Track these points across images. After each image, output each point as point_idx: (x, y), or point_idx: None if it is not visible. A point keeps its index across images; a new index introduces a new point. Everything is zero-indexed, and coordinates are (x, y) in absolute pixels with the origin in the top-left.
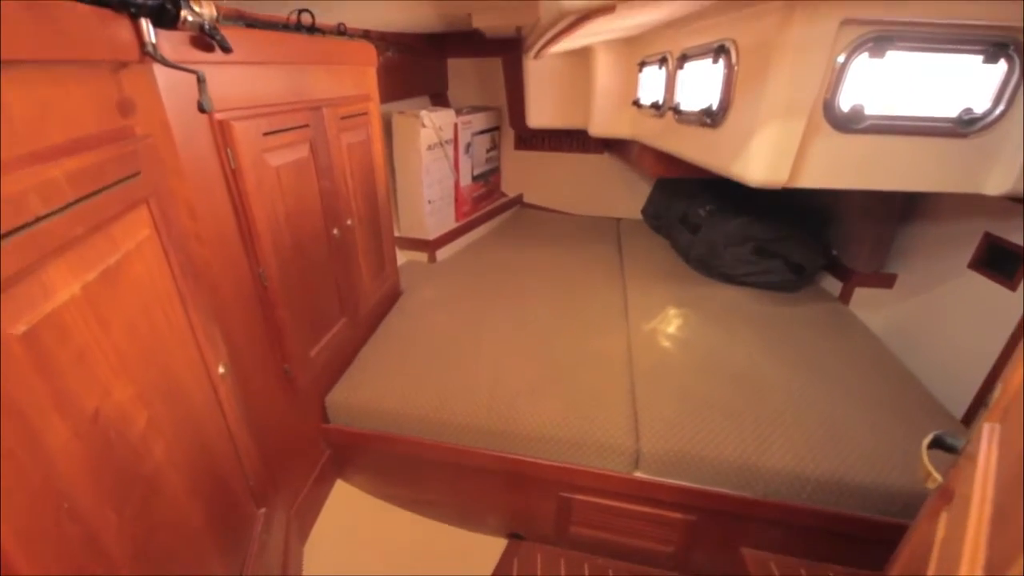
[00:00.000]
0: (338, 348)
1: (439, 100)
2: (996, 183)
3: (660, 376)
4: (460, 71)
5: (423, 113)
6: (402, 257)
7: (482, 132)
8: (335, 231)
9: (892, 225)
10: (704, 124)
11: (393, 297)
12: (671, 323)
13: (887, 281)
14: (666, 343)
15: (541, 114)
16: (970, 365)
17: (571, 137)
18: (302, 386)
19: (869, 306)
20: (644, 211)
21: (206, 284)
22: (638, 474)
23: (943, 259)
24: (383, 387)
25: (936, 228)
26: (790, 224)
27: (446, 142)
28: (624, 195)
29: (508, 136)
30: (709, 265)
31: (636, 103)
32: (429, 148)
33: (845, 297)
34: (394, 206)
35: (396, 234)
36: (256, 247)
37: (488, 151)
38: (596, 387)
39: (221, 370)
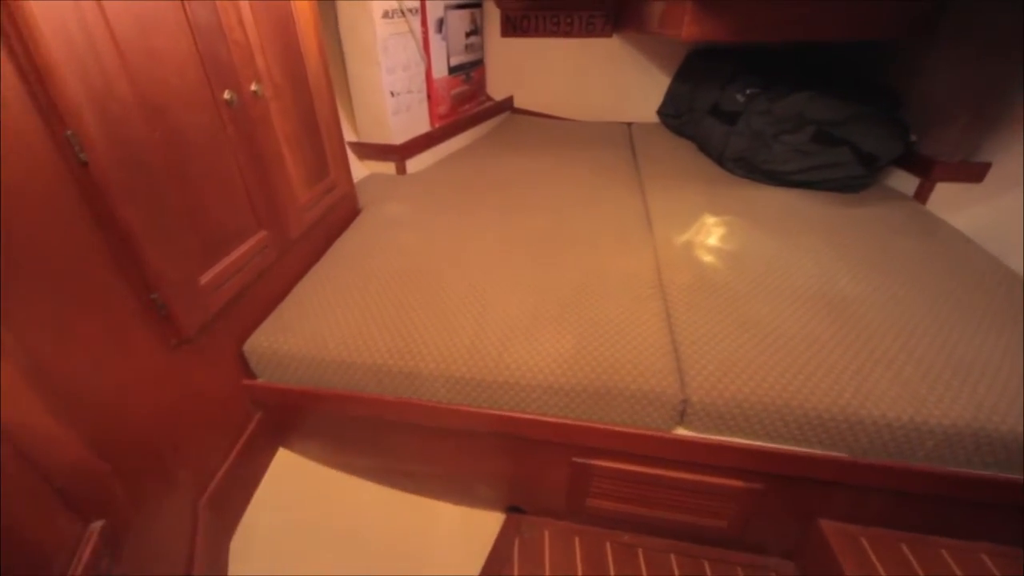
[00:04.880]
0: (257, 275)
1: None
2: None
3: (705, 300)
4: None
5: None
6: (363, 169)
7: (459, 6)
8: (227, 95)
9: (998, 97)
10: None
11: (347, 215)
12: (711, 233)
13: (977, 173)
14: (708, 257)
15: None
16: None
17: (572, 14)
18: (190, 325)
19: (953, 206)
20: (661, 111)
21: None
22: (681, 431)
23: None
24: (328, 328)
25: None
26: (859, 102)
27: (410, 11)
28: (636, 93)
29: (493, 18)
30: (751, 163)
31: None
32: (386, 16)
33: (922, 196)
34: (345, 104)
35: (352, 138)
36: (56, 97)
37: (468, 35)
38: (618, 317)
39: None
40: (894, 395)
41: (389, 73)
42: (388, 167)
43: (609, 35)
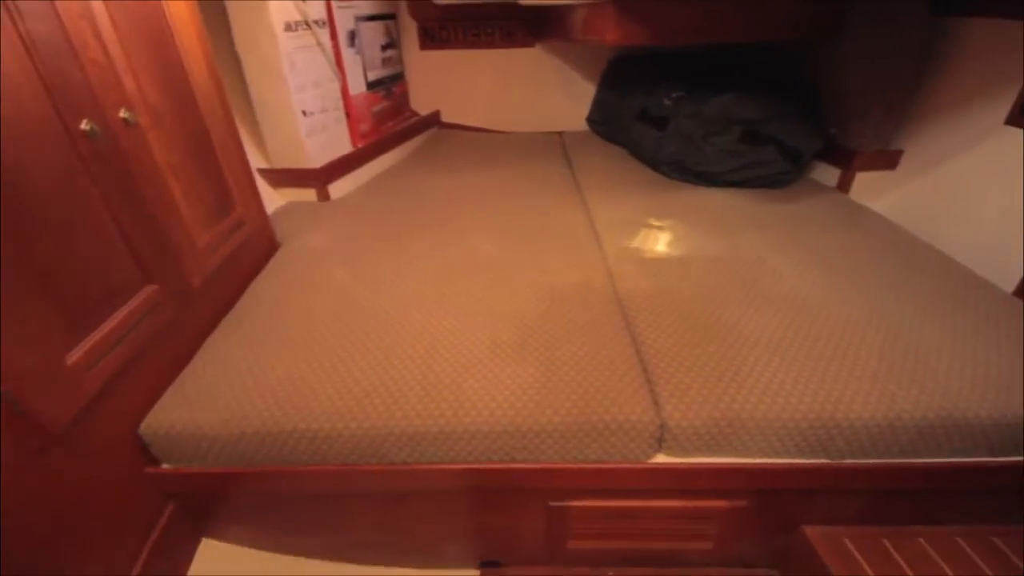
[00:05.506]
0: (149, 339)
1: None
2: None
3: (664, 311)
4: None
5: None
6: (278, 198)
7: (372, 18)
8: (86, 125)
9: (905, 89)
10: None
11: (263, 252)
12: (658, 240)
13: (891, 161)
14: (659, 265)
15: None
16: (1013, 240)
17: (492, 24)
18: (57, 420)
19: (872, 193)
20: (590, 118)
21: None
22: (661, 458)
23: (968, 121)
24: (248, 393)
25: (955, 83)
26: (780, 100)
27: (316, 22)
28: (564, 102)
29: (410, 31)
30: (685, 166)
31: None
32: (290, 28)
33: (844, 186)
34: (251, 127)
35: (262, 165)
36: None
37: (384, 48)
38: (580, 339)
39: None
40: (865, 394)
41: (299, 91)
42: (308, 194)
43: (531, 44)
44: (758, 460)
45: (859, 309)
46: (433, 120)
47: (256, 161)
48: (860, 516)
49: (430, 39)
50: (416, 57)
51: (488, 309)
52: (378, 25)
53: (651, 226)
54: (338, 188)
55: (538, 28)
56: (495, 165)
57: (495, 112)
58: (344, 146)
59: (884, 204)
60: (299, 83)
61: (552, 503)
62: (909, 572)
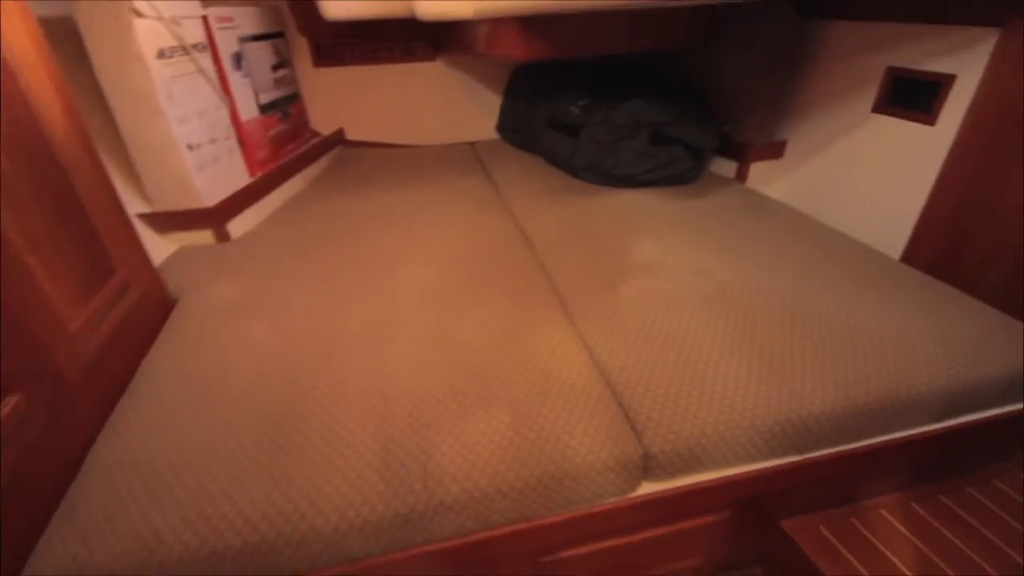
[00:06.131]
0: (21, 463)
1: None
2: None
3: (616, 322)
4: None
5: None
6: (166, 245)
7: (258, 38)
8: None
9: (783, 86)
10: None
11: (155, 316)
12: (592, 248)
13: (778, 151)
14: (598, 271)
15: None
16: (891, 212)
17: (390, 39)
18: None
19: (766, 181)
20: (500, 126)
21: None
22: (647, 487)
23: (840, 111)
24: (158, 508)
25: (826, 78)
26: (680, 103)
27: (195, 47)
28: (472, 112)
29: (301, 48)
30: (602, 170)
31: None
32: (164, 56)
33: (742, 176)
34: (125, 168)
35: (143, 209)
36: None
37: (276, 68)
38: (544, 367)
39: None
40: (821, 387)
41: (181, 123)
42: (203, 236)
43: (433, 59)
44: (737, 469)
45: (790, 300)
46: (337, 139)
47: (134, 206)
48: (827, 501)
49: (324, 56)
50: (311, 75)
51: (439, 346)
52: (266, 45)
53: (581, 233)
54: (239, 225)
55: (439, 42)
56: (413, 181)
57: (402, 126)
58: (241, 178)
59: (776, 189)
60: (181, 114)
61: (542, 559)
62: (876, 542)
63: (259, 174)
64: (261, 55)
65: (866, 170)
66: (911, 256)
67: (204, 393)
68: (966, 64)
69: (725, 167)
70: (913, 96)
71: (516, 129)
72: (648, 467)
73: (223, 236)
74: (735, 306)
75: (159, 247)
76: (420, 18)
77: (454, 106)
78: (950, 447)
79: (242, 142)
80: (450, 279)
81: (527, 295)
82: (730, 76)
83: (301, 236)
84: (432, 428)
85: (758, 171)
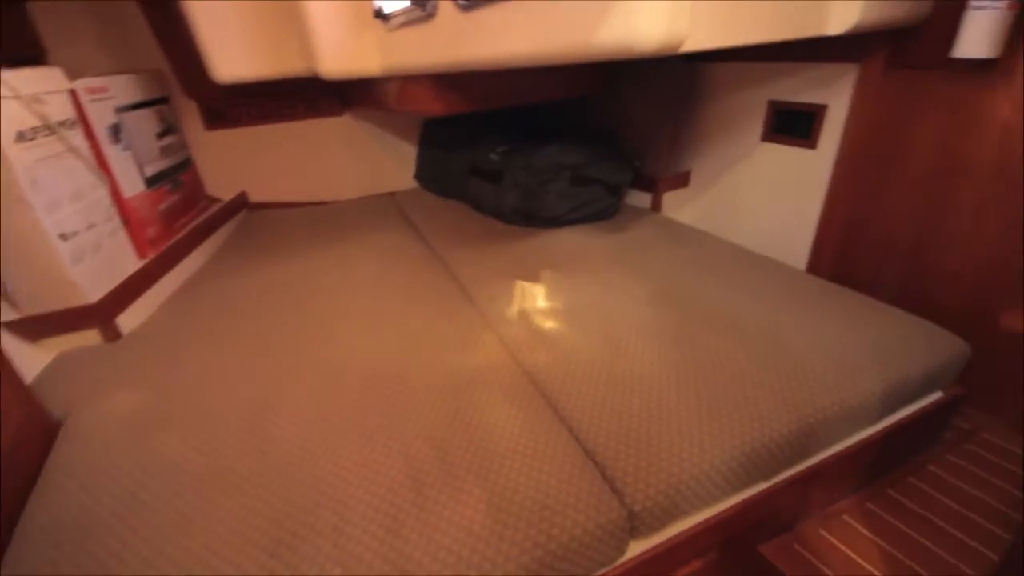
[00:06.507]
0: None
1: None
2: (838, 20)
3: (573, 372)
4: (64, 19)
5: None
6: (41, 354)
7: (138, 106)
8: None
9: (682, 120)
10: None
11: (35, 446)
12: (534, 294)
13: (684, 180)
14: (547, 322)
15: (232, 58)
16: (792, 228)
17: (291, 96)
18: None
19: (677, 208)
20: (419, 175)
21: None
22: (635, 548)
23: (735, 141)
24: None
25: (718, 112)
26: (593, 144)
27: (62, 124)
28: (386, 162)
29: (190, 112)
30: (529, 213)
31: (380, 14)
32: (25, 138)
33: (656, 206)
34: None
35: (9, 316)
36: None
37: (161, 136)
38: (509, 436)
39: None
40: (776, 411)
41: (51, 211)
42: (88, 337)
43: (340, 113)
44: (717, 508)
45: (724, 324)
46: (240, 203)
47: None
48: (796, 517)
49: (217, 118)
50: (204, 139)
51: (388, 427)
52: (148, 112)
53: (520, 282)
54: (131, 318)
55: (347, 97)
56: (331, 241)
57: (313, 183)
58: (129, 263)
59: (686, 215)
60: (49, 201)
61: None
62: (844, 548)
63: (151, 255)
64: (143, 124)
65: (763, 192)
66: (815, 266)
67: (106, 552)
68: (835, 94)
69: (640, 199)
70: (794, 124)
71: (436, 177)
72: (634, 527)
73: (112, 334)
74: (680, 338)
75: (31, 358)
76: (323, 77)
77: (368, 158)
78: (889, 443)
79: (127, 222)
80: (388, 343)
81: (475, 352)
82: (634, 116)
83: (208, 321)
84: (399, 536)
85: (669, 200)
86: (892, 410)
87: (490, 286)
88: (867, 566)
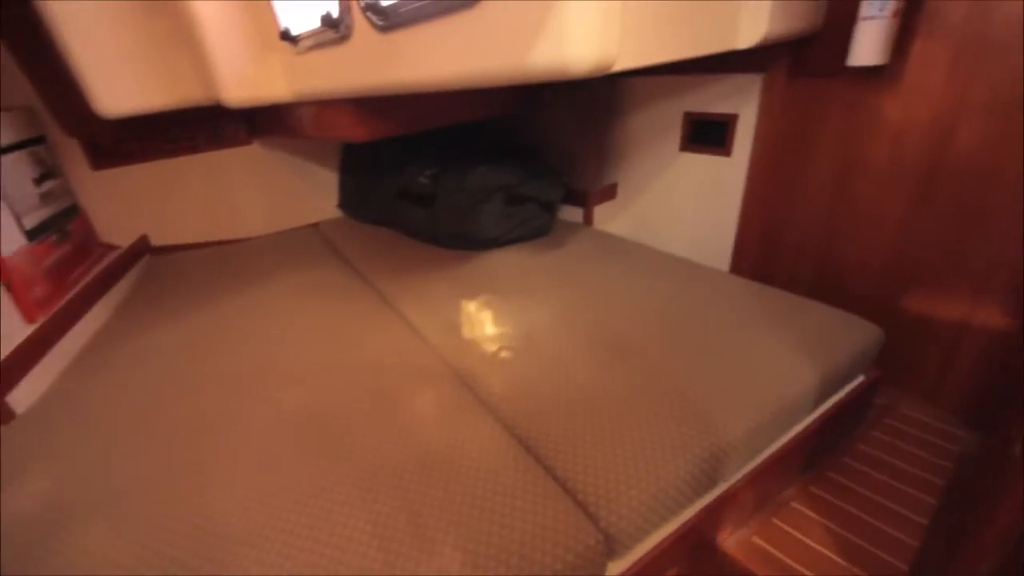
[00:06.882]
0: None
1: None
2: (747, 35)
3: (537, 402)
4: None
5: None
6: None
7: (8, 149)
8: None
9: (606, 134)
10: (445, 12)
11: None
12: (481, 321)
13: (612, 192)
14: (501, 350)
15: (118, 90)
16: (714, 233)
17: (190, 127)
18: None
19: (608, 220)
20: (343, 203)
21: None
22: (612, 569)
23: (656, 152)
24: None
25: (639, 125)
26: (524, 162)
27: None
28: (305, 191)
29: (71, 151)
30: (465, 236)
31: (287, 36)
32: None
33: (588, 220)
34: None
35: None
36: None
37: (39, 181)
38: (477, 477)
39: None
40: (729, 412)
41: None
42: None
43: (248, 142)
44: (685, 516)
45: (668, 332)
46: (142, 248)
47: None
48: (753, 511)
49: (104, 156)
50: (91, 180)
51: (344, 482)
52: (21, 156)
53: (467, 308)
54: (25, 394)
55: (255, 125)
56: (251, 283)
57: (224, 219)
58: (15, 330)
59: (617, 227)
60: None
61: None
62: (797, 534)
63: (41, 319)
64: (17, 169)
65: (686, 200)
66: (738, 267)
67: None
68: (744, 104)
69: (572, 214)
70: (709, 134)
71: (362, 204)
72: (611, 549)
73: (5, 415)
74: (629, 352)
75: None
76: (227, 105)
77: (283, 189)
78: (825, 429)
79: (9, 284)
80: (333, 390)
81: (429, 387)
82: (561, 132)
83: (118, 385)
84: None
85: (600, 213)
86: (825, 398)
87: (433, 315)
88: (819, 548)
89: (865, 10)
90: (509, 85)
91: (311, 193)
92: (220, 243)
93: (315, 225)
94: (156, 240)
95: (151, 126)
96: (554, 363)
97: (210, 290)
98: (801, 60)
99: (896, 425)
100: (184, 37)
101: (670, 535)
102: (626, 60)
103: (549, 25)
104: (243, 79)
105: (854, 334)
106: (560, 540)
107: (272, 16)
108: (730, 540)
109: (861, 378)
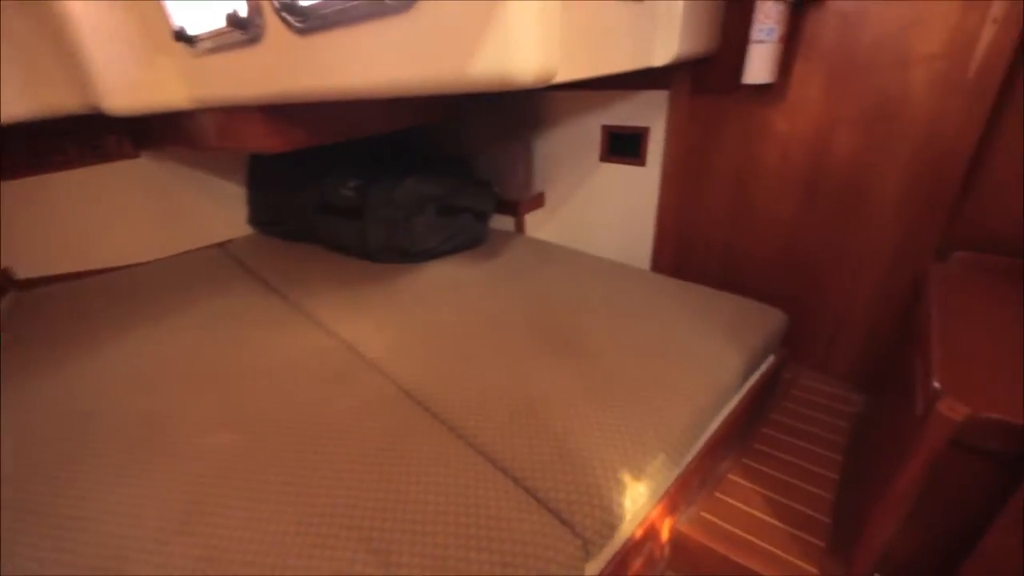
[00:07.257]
0: None
1: None
2: (662, 53)
3: (484, 403)
4: None
5: None
6: None
7: None
8: None
9: (530, 147)
10: (377, 14)
11: None
12: (427, 336)
13: (541, 201)
14: (449, 364)
15: None
16: (635, 236)
17: (61, 139)
18: None
19: (539, 227)
20: (255, 219)
21: None
22: (591, 569)
23: (578, 162)
24: None
25: (563, 136)
26: (454, 173)
27: None
28: (207, 208)
29: None
30: (399, 249)
31: (182, 36)
32: None
33: (520, 228)
34: None
35: None
36: None
37: None
38: (446, 493)
39: None
40: (674, 404)
41: None
42: None
43: (134, 155)
44: (649, 507)
45: (611, 332)
46: (4, 283)
47: None
48: (698, 489)
49: None
50: None
51: (303, 532)
52: None
53: (406, 326)
54: None
55: (141, 136)
56: (149, 316)
57: (108, 243)
58: None
59: (547, 233)
60: None
61: None
62: (738, 504)
63: None
64: None
65: (608, 207)
66: (657, 265)
67: None
68: (653, 117)
69: (504, 222)
70: (625, 145)
71: (277, 220)
72: (590, 550)
73: None
74: (573, 354)
75: None
76: (109, 114)
77: (179, 206)
78: (748, 405)
79: None
80: (279, 437)
81: (383, 414)
82: (485, 143)
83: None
84: None
85: (531, 221)
86: (747, 378)
87: (373, 335)
88: (757, 513)
89: (756, 35)
90: (439, 94)
91: (215, 209)
92: (103, 271)
93: (222, 244)
94: (23, 272)
95: (10, 139)
96: (503, 374)
97: (97, 329)
98: (700, 78)
99: (801, 395)
100: (54, 37)
101: (638, 528)
102: (565, 72)
103: (493, 32)
104: (128, 84)
105: (765, 319)
106: (541, 553)
107: (163, 14)
108: (682, 519)
109: (772, 357)
